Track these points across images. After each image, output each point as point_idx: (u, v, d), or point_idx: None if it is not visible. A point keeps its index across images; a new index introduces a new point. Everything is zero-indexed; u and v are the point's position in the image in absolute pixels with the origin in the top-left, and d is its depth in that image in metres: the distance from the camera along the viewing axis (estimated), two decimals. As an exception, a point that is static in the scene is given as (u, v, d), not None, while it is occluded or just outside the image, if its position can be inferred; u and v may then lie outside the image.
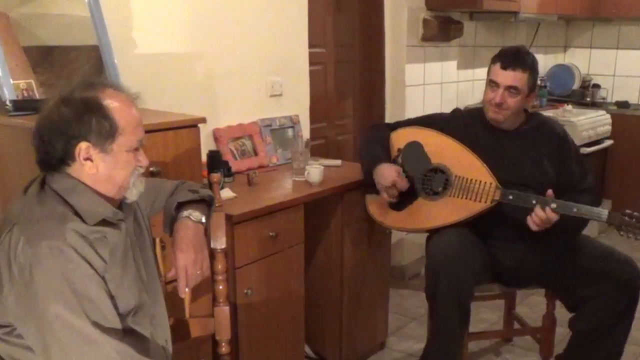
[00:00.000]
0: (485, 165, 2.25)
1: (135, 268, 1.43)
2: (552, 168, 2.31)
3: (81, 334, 1.22)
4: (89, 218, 1.31)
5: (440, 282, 2.15)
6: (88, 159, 1.32)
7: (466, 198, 2.26)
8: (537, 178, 2.28)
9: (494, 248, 2.30)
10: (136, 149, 1.37)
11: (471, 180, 2.26)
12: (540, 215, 2.12)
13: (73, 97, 1.31)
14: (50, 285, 1.21)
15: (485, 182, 2.23)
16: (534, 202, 2.14)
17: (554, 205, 2.10)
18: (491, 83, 2.30)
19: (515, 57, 2.26)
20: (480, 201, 2.24)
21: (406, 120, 2.61)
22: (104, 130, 1.31)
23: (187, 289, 1.56)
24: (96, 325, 1.24)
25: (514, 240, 2.29)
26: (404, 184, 2.32)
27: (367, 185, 2.46)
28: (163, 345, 1.52)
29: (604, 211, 2.08)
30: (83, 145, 1.30)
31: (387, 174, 2.33)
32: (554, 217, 2.11)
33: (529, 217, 2.15)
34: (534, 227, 2.15)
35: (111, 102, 1.32)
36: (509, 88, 2.25)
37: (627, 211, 2.07)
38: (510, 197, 2.19)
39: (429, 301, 2.25)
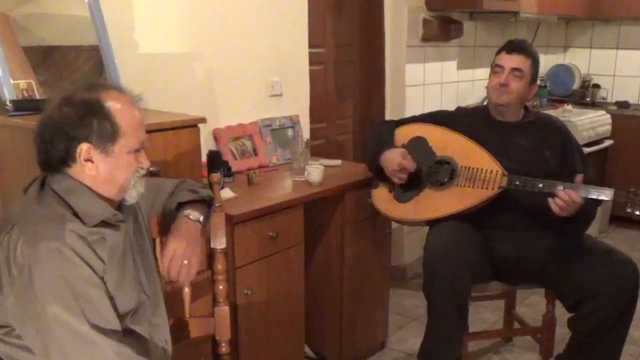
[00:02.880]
0: (490, 154, 2.28)
1: (135, 269, 1.43)
2: (554, 159, 2.35)
3: (80, 335, 1.22)
4: (89, 219, 1.31)
5: (437, 279, 2.16)
6: (89, 160, 1.32)
7: (473, 187, 2.28)
8: (541, 168, 2.30)
9: (494, 239, 2.31)
10: (137, 151, 1.37)
11: (477, 169, 2.28)
12: (564, 197, 2.10)
13: (75, 98, 1.31)
14: (49, 286, 1.21)
15: (492, 170, 2.25)
16: (540, 185, 2.16)
17: (560, 187, 2.12)
18: (496, 68, 2.37)
19: (520, 44, 2.38)
20: (487, 188, 2.25)
21: (410, 117, 2.63)
22: (105, 132, 1.31)
23: (171, 276, 1.53)
24: (95, 326, 1.24)
25: (515, 229, 2.31)
26: (411, 165, 2.33)
27: (372, 176, 2.47)
28: (163, 346, 1.52)
29: (609, 189, 2.11)
30: (84, 146, 1.30)
31: (393, 157, 2.34)
32: (578, 198, 2.10)
33: (551, 200, 2.13)
34: (558, 211, 2.13)
35: (113, 104, 1.32)
36: (513, 70, 2.32)
37: (632, 189, 2.10)
38: (517, 182, 2.20)
39: (426, 298, 2.26)
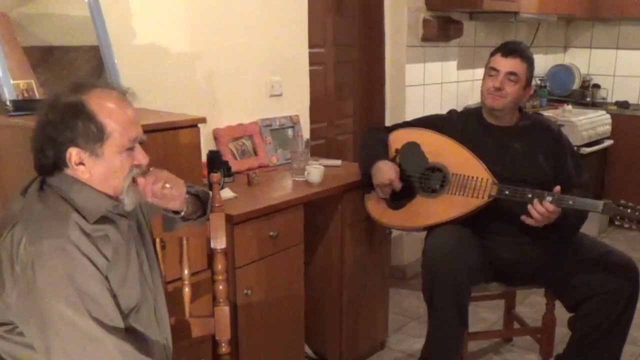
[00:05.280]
0: (481, 162, 2.28)
1: (138, 267, 1.43)
2: (548, 164, 2.34)
3: (83, 332, 1.22)
4: (90, 214, 1.30)
5: (437, 281, 2.16)
6: (80, 163, 1.30)
7: (464, 195, 2.28)
8: (534, 173, 2.30)
9: (492, 242, 2.31)
10: (131, 149, 1.34)
11: (468, 177, 2.28)
12: (539, 209, 2.12)
13: (59, 103, 1.29)
14: (52, 284, 1.21)
15: (482, 179, 2.25)
16: (529, 196, 2.16)
17: (549, 199, 2.12)
18: (491, 71, 2.35)
19: (516, 47, 2.35)
20: (477, 197, 2.25)
21: (403, 123, 2.65)
22: (92, 134, 1.28)
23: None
24: (99, 323, 1.24)
25: (513, 233, 2.30)
26: (398, 185, 2.34)
27: (366, 185, 2.47)
28: (164, 343, 1.52)
29: (599, 202, 2.11)
30: (73, 150, 1.29)
31: (386, 171, 2.34)
32: (553, 208, 2.11)
33: (525, 215, 2.16)
34: (532, 223, 2.16)
35: (97, 104, 1.29)
36: (508, 74, 2.31)
37: (622, 201, 2.10)
38: (507, 192, 2.21)
39: (426, 300, 2.26)
